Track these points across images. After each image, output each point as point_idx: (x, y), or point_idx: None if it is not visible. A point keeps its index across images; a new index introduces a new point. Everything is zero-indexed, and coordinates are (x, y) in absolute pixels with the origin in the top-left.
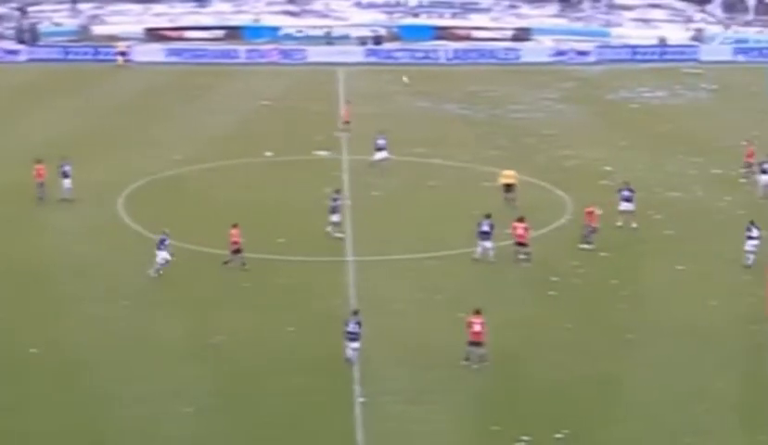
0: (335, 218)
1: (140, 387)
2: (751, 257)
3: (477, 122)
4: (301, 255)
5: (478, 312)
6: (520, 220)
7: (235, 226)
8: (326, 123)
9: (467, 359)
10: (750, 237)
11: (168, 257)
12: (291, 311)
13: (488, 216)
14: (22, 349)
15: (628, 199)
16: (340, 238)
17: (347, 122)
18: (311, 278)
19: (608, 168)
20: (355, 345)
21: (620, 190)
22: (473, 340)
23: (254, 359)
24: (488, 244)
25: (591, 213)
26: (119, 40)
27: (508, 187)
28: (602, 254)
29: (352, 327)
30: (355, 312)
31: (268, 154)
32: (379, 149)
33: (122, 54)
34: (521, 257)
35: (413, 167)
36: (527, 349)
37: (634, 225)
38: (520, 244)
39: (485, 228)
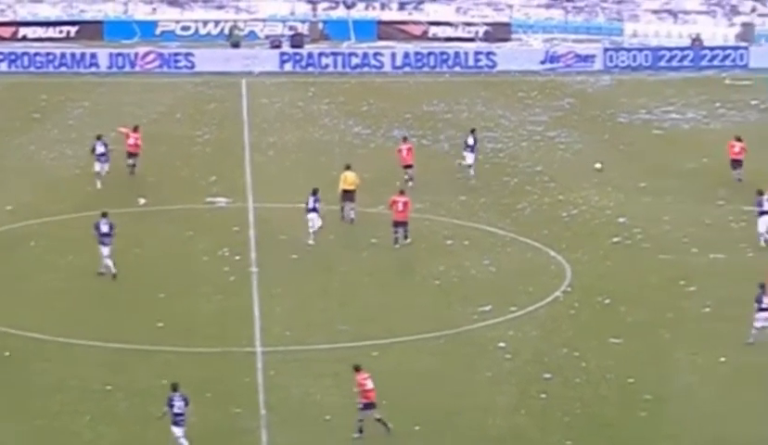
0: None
1: None
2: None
3: (436, 155)
4: (189, 345)
5: None
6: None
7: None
8: (224, 158)
9: None
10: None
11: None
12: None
13: (315, 191)
14: None
15: None
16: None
17: (409, 166)
18: (202, 377)
19: (622, 219)
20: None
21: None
22: None
23: None
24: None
25: (395, 203)
26: None
27: (347, 194)
28: (613, 341)
29: (177, 407)
30: (174, 388)
31: (141, 201)
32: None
33: None
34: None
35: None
36: None
37: None
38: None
39: (312, 204)
